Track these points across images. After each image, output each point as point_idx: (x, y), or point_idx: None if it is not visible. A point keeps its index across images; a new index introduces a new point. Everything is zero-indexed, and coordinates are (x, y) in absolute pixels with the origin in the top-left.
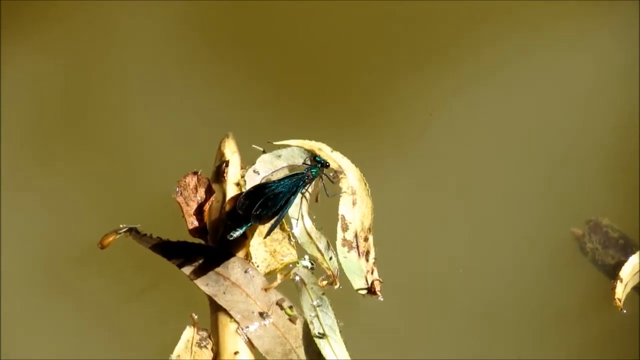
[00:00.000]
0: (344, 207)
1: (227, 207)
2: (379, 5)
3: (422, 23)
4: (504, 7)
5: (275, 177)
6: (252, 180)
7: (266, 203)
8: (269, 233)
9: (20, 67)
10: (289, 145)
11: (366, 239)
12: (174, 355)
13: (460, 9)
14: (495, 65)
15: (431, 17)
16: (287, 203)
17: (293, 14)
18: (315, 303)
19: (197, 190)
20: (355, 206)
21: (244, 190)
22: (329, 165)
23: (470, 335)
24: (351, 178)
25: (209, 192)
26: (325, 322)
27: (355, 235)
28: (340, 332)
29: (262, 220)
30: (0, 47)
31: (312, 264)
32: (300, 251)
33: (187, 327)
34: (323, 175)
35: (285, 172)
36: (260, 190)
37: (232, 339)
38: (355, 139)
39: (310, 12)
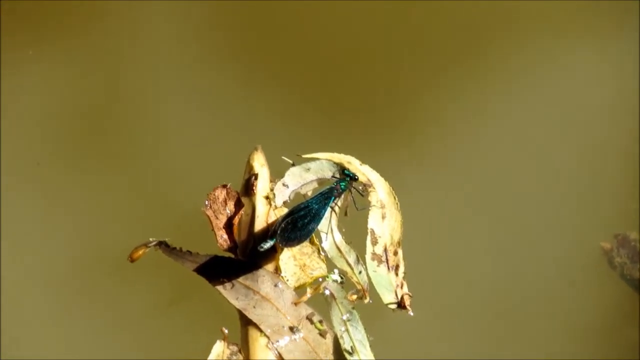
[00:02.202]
0: (374, 220)
1: (270, 228)
2: (404, 19)
3: (445, 33)
4: (527, 15)
5: (304, 190)
6: (281, 193)
7: (298, 224)
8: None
9: (47, 76)
10: (318, 159)
11: (396, 253)
12: None
13: (484, 18)
14: (519, 73)
15: (451, 28)
16: (317, 218)
17: (320, 27)
18: (345, 317)
19: (226, 204)
20: (384, 220)
21: (272, 202)
22: (357, 178)
23: (499, 348)
24: (380, 191)
25: (238, 205)
26: (356, 337)
27: (385, 249)
28: (370, 346)
29: (296, 243)
30: (7, 56)
31: (341, 277)
32: (330, 265)
33: (218, 342)
34: (352, 188)
35: (314, 185)
36: (296, 212)
37: (262, 354)
38: (384, 152)
39: (337, 25)
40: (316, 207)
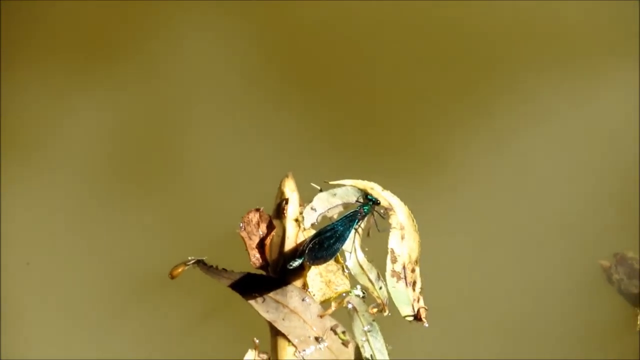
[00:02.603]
0: (393, 241)
1: (299, 247)
2: (427, 52)
3: (465, 67)
4: (547, 44)
5: (330, 214)
6: (310, 217)
7: (324, 244)
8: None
9: (94, 101)
10: (343, 185)
11: (413, 270)
12: None
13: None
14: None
15: (471, 64)
16: (342, 238)
17: (348, 62)
18: (366, 329)
19: (259, 226)
20: (403, 240)
21: (301, 225)
22: (379, 202)
23: (503, 355)
24: (400, 215)
25: (270, 227)
26: (375, 346)
27: (404, 267)
28: (388, 354)
29: (322, 262)
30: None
31: (363, 293)
32: (353, 281)
33: (249, 350)
34: (374, 212)
35: (339, 209)
36: (322, 234)
37: None
38: (404, 180)
39: (363, 62)
40: (341, 229)
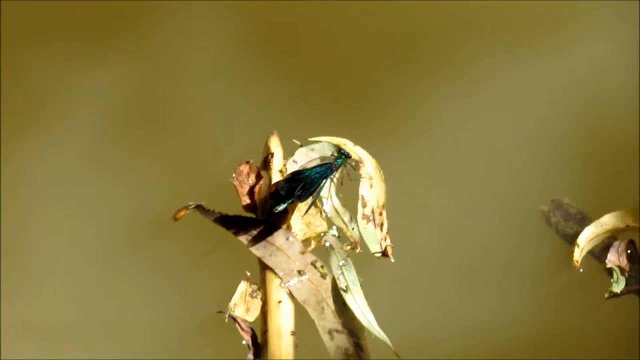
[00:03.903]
0: (363, 188)
1: (272, 189)
2: (395, 31)
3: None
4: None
5: (309, 166)
6: (292, 168)
7: (304, 186)
8: (307, 211)
9: (110, 77)
10: (320, 141)
11: (381, 214)
12: (231, 303)
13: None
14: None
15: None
16: (320, 186)
17: (326, 42)
18: (341, 263)
19: (249, 176)
20: (372, 188)
21: (285, 175)
22: (351, 156)
23: (455, 288)
24: (369, 166)
25: (259, 177)
26: (349, 278)
27: (372, 211)
28: (360, 286)
29: (301, 199)
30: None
31: (338, 233)
32: (330, 223)
33: (242, 282)
34: (347, 164)
35: (317, 162)
36: (296, 176)
37: (276, 291)
38: (373, 136)
39: (339, 34)
40: (317, 176)
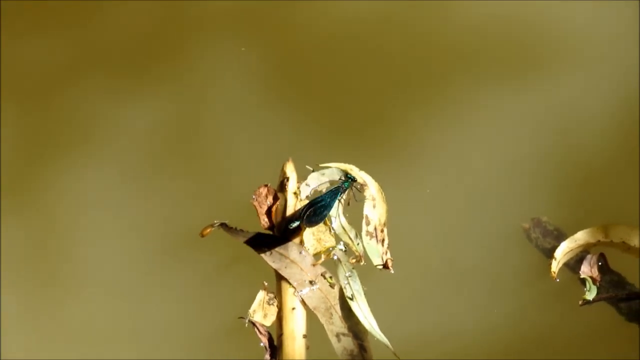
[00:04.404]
0: (367, 209)
1: (288, 213)
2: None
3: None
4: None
5: (320, 188)
6: (305, 190)
7: (316, 211)
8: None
9: (147, 108)
10: (330, 167)
11: (382, 231)
12: (251, 310)
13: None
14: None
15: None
16: (329, 207)
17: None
18: (347, 274)
19: (267, 197)
20: (375, 208)
21: (299, 196)
22: (357, 180)
23: (448, 296)
24: (372, 189)
25: (276, 198)
26: (354, 288)
27: (375, 228)
28: (364, 294)
29: (315, 224)
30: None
31: (345, 248)
32: (337, 239)
33: (260, 291)
34: (353, 187)
35: (327, 185)
36: (313, 205)
37: (290, 299)
38: (376, 162)
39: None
40: (328, 199)
